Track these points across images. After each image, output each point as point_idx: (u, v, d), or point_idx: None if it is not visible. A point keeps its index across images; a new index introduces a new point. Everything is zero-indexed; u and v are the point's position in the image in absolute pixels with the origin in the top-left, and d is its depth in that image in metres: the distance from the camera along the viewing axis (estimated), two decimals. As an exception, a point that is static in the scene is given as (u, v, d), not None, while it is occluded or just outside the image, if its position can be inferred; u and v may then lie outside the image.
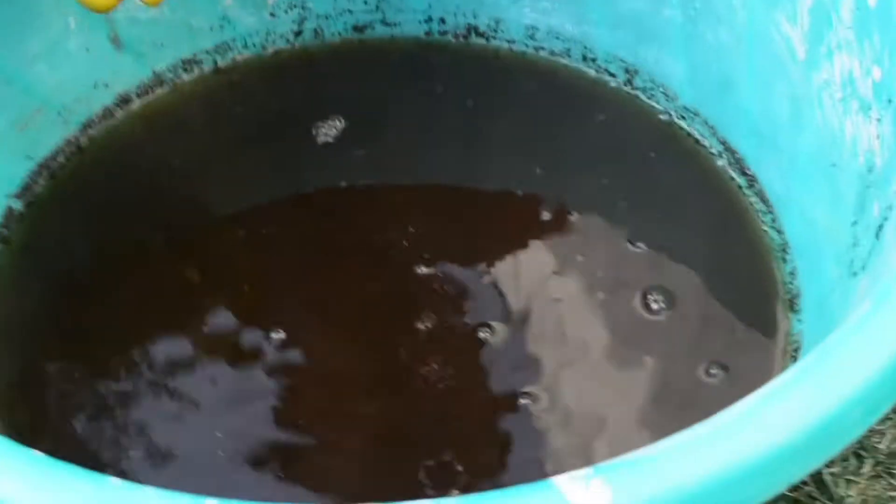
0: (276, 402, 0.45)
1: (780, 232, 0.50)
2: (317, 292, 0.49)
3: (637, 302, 0.47)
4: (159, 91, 0.56)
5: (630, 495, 0.26)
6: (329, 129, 0.54)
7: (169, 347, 0.47)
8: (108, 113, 0.55)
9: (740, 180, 0.52)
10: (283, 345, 0.46)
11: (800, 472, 0.29)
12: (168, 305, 0.48)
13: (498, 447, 0.44)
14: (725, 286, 0.49)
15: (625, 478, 0.27)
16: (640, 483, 0.27)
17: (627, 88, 0.56)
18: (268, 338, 0.47)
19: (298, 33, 0.58)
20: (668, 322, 0.47)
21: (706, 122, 0.54)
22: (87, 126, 0.55)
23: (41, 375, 0.46)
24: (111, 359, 0.46)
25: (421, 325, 0.47)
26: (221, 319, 0.48)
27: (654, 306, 0.47)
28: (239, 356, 0.46)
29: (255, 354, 0.46)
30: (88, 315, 0.48)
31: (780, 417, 0.28)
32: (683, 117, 0.54)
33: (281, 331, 0.47)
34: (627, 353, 0.46)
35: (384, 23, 0.58)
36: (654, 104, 0.55)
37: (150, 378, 0.46)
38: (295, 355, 0.46)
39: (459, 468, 0.43)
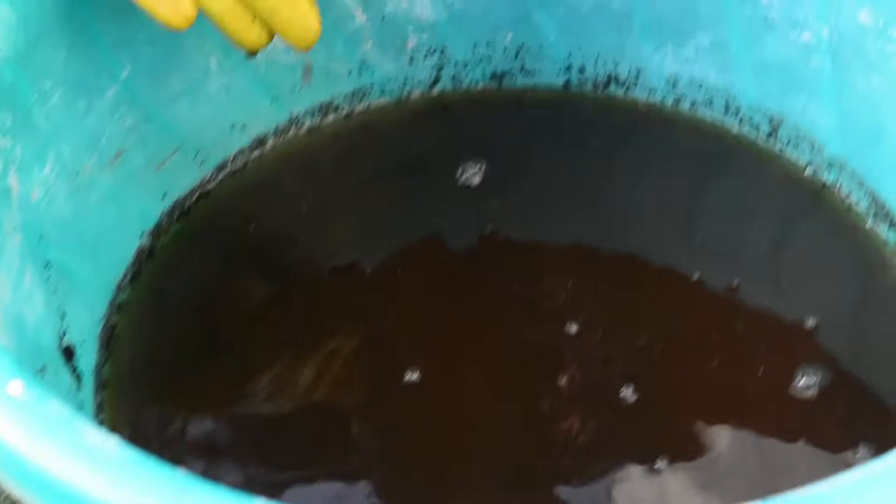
0: (407, 446, 0.45)
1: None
2: (455, 338, 0.48)
3: (788, 379, 0.45)
4: (295, 134, 0.56)
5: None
6: (470, 175, 0.54)
7: (297, 391, 0.46)
8: (243, 155, 0.55)
9: (888, 235, 0.50)
10: (418, 388, 0.46)
11: None
12: (300, 349, 0.48)
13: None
14: (880, 364, 0.47)
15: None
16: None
17: (771, 141, 0.54)
18: (402, 381, 0.46)
19: (436, 80, 0.58)
20: (819, 402, 0.45)
21: (854, 174, 0.52)
22: (221, 167, 0.55)
23: (155, 419, 0.46)
24: (236, 403, 0.46)
25: (563, 382, 0.46)
26: (354, 360, 0.47)
27: (805, 383, 0.45)
28: (372, 399, 0.46)
29: (390, 398, 0.46)
30: (215, 360, 0.48)
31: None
32: (831, 165, 0.53)
33: (417, 372, 0.46)
34: (772, 430, 0.44)
35: (523, 71, 0.58)
36: (798, 156, 0.54)
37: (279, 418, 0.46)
38: (429, 399, 0.46)
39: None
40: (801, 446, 0.44)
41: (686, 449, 0.43)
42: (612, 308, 0.49)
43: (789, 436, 0.44)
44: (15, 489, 0.28)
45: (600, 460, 0.43)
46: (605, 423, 0.44)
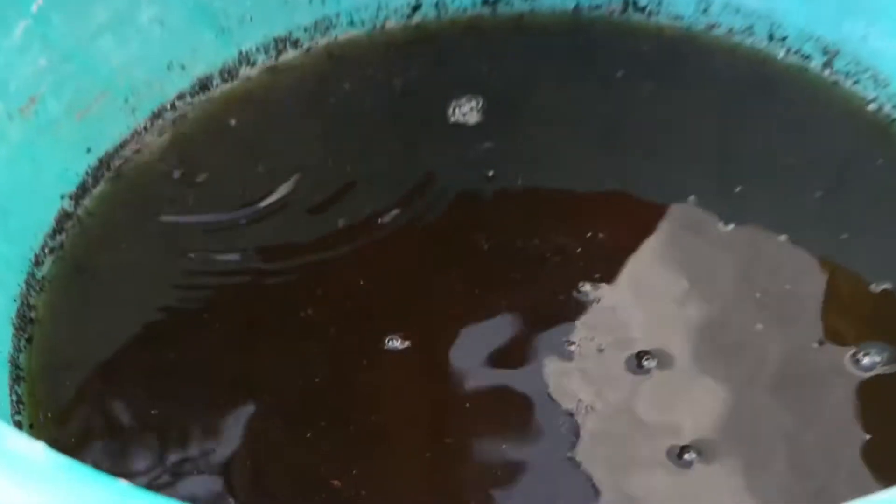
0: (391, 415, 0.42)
1: None
2: (445, 298, 0.45)
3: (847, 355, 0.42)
4: (246, 75, 0.53)
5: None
6: (464, 113, 0.50)
7: (258, 376, 0.43)
8: (183, 101, 0.52)
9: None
10: (404, 354, 0.42)
11: None
12: (260, 327, 0.44)
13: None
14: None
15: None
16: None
17: (826, 72, 0.51)
18: (385, 344, 0.42)
19: (416, 7, 0.54)
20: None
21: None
22: (157, 115, 0.51)
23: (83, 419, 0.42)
24: (179, 396, 0.43)
25: (571, 349, 0.42)
26: (334, 317, 0.44)
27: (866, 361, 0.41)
28: (355, 361, 0.43)
29: (373, 360, 0.42)
30: (153, 346, 0.44)
31: None
32: None
33: (399, 339, 0.43)
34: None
35: (522, -5, 0.55)
36: (859, 91, 0.50)
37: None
38: (414, 367, 0.43)
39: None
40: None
41: (715, 427, 0.40)
42: (631, 270, 0.45)
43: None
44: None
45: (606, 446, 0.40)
46: (619, 405, 0.41)
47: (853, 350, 0.41)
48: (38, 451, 0.27)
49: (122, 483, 0.26)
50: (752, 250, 0.45)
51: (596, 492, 0.39)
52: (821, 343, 0.42)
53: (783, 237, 0.45)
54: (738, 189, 0.47)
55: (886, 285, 0.43)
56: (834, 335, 0.42)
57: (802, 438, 0.40)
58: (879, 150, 0.49)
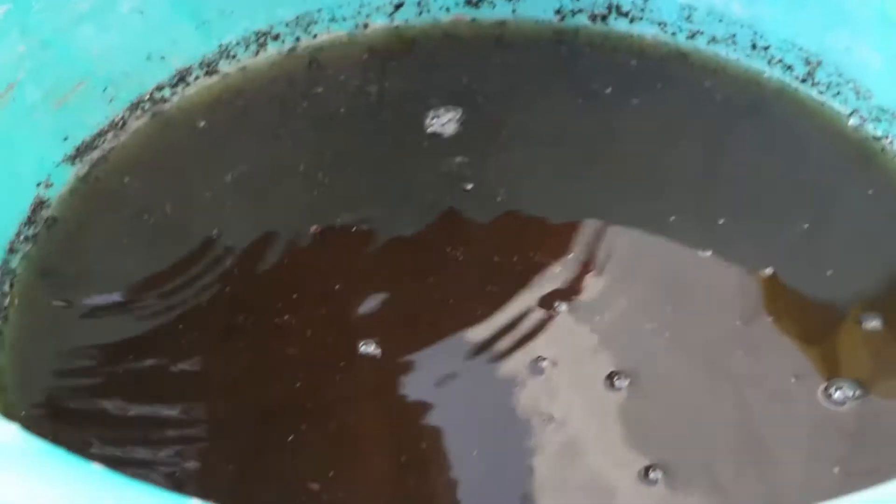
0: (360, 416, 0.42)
1: None
2: (419, 306, 0.45)
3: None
4: (225, 69, 0.53)
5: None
6: (442, 123, 0.51)
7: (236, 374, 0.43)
8: (162, 92, 0.51)
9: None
10: (374, 360, 0.42)
11: None
12: (236, 330, 0.44)
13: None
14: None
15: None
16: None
17: (807, 85, 0.51)
18: (357, 351, 0.43)
19: (399, 5, 0.54)
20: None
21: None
22: (136, 106, 0.51)
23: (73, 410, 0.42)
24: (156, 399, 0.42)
25: (543, 364, 0.42)
26: (307, 323, 0.44)
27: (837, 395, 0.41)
28: (324, 368, 0.43)
29: (342, 367, 0.42)
30: (131, 350, 0.43)
31: None
32: (879, 119, 0.49)
33: (372, 343, 0.43)
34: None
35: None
36: (842, 109, 0.50)
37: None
38: (384, 373, 0.43)
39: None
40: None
41: (683, 448, 0.40)
42: (608, 291, 0.45)
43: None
44: None
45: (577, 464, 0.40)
46: (588, 421, 0.41)
47: (825, 384, 0.41)
48: (12, 433, 0.27)
49: (95, 466, 0.26)
50: (732, 278, 0.45)
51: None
52: (796, 376, 0.42)
53: (766, 267, 0.45)
54: (719, 214, 0.47)
55: (873, 322, 0.43)
56: (809, 368, 0.42)
57: (770, 467, 0.40)
58: (865, 177, 0.49)
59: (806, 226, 0.47)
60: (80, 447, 0.39)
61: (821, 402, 0.41)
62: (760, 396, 0.42)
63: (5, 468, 0.27)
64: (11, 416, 0.40)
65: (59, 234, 0.47)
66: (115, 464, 0.37)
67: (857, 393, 0.41)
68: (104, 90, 0.49)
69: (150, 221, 0.47)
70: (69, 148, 0.48)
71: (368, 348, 0.43)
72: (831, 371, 0.42)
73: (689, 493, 0.39)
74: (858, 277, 0.46)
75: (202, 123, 0.51)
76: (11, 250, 0.45)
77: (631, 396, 0.41)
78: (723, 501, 0.39)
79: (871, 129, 0.50)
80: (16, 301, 0.44)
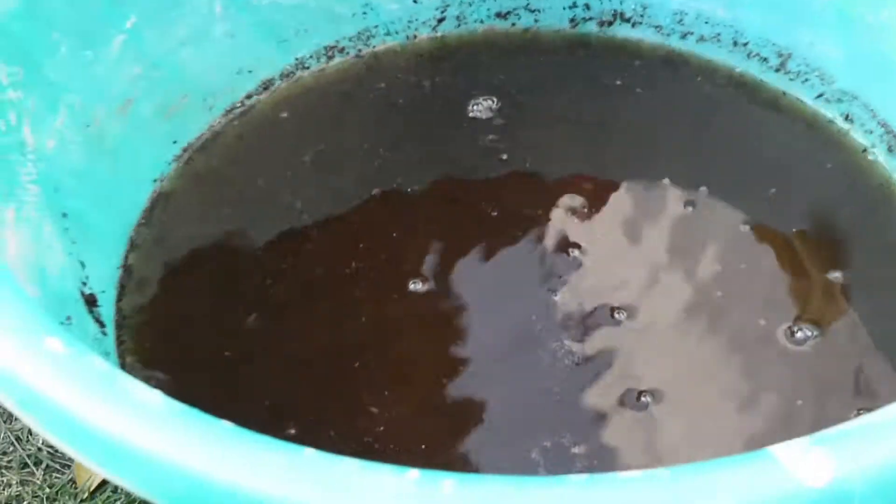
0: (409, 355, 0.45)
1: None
2: (455, 252, 0.48)
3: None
4: (301, 77, 0.55)
5: (856, 463, 0.26)
6: (481, 109, 0.53)
7: (314, 320, 0.46)
8: (251, 99, 0.54)
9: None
10: (421, 296, 0.46)
11: None
12: (313, 281, 0.47)
13: (614, 437, 0.42)
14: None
15: (848, 446, 0.26)
16: (865, 450, 0.26)
17: (780, 73, 0.54)
18: (409, 289, 0.46)
19: (441, 20, 0.57)
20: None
21: (867, 106, 0.51)
22: (229, 111, 0.54)
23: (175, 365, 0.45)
24: (253, 342, 0.45)
25: (556, 298, 0.46)
26: (370, 269, 0.47)
27: (799, 335, 0.44)
28: (383, 304, 0.46)
29: (396, 301, 0.46)
30: (230, 299, 0.47)
31: None
32: (840, 100, 0.52)
33: (420, 283, 0.46)
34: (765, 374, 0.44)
35: (528, 9, 0.57)
36: (806, 89, 0.53)
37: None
38: (430, 307, 0.46)
39: (575, 451, 0.41)
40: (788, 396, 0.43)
41: (670, 377, 0.43)
42: (614, 238, 0.48)
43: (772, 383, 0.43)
44: (64, 447, 0.28)
45: (584, 386, 0.43)
46: (592, 349, 0.44)
47: (789, 325, 0.44)
48: (157, 399, 0.28)
49: (227, 423, 0.28)
50: (713, 231, 0.48)
51: (569, 422, 0.42)
52: (764, 317, 0.44)
53: (742, 224, 0.48)
54: (703, 181, 0.50)
55: (835, 274, 0.46)
56: (774, 311, 0.45)
57: (742, 394, 0.42)
58: (824, 152, 0.51)
59: (773, 191, 0.49)
60: (201, 393, 0.40)
61: (782, 342, 0.44)
62: (735, 333, 0.44)
63: (155, 427, 0.28)
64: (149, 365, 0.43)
65: (172, 210, 0.50)
66: (225, 400, 0.41)
67: (816, 334, 0.43)
68: (204, 100, 0.53)
69: (246, 195, 0.50)
70: (178, 149, 0.52)
71: (417, 286, 0.46)
72: (796, 314, 0.44)
73: (673, 415, 0.42)
74: (820, 234, 0.47)
75: (284, 114, 0.53)
76: (135, 235, 0.49)
77: (628, 328, 0.45)
78: (703, 422, 0.42)
79: (833, 111, 0.51)
80: (141, 276, 0.47)
